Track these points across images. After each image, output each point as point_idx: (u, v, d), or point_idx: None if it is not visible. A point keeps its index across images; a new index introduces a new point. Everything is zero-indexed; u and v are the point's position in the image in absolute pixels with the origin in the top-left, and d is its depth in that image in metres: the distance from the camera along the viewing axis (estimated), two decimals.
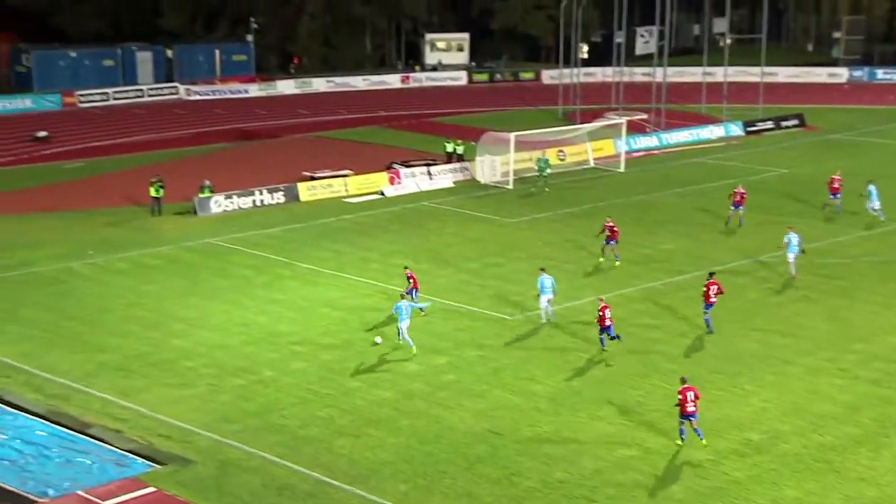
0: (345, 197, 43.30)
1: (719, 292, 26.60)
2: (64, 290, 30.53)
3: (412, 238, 36.60)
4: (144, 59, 71.51)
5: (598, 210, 40.36)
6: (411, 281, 28.62)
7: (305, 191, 43.07)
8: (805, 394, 23.26)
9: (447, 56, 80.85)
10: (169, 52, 72.97)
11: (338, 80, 74.69)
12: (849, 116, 62.24)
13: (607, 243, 32.39)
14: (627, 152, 50.03)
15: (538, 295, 27.32)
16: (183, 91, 70.04)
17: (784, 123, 58.79)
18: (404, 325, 25.28)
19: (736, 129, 57.38)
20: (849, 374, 24.27)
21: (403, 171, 45.68)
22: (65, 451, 20.90)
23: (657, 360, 25.12)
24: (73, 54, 69.17)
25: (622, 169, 48.00)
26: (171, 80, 71.45)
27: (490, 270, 32.54)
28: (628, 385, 23.85)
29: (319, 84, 73.76)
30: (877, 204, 36.44)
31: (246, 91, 71.48)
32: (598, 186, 45.18)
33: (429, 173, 46.04)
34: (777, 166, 48.21)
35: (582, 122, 55.26)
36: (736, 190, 37.72)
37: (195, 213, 40.19)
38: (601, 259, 32.73)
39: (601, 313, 25.06)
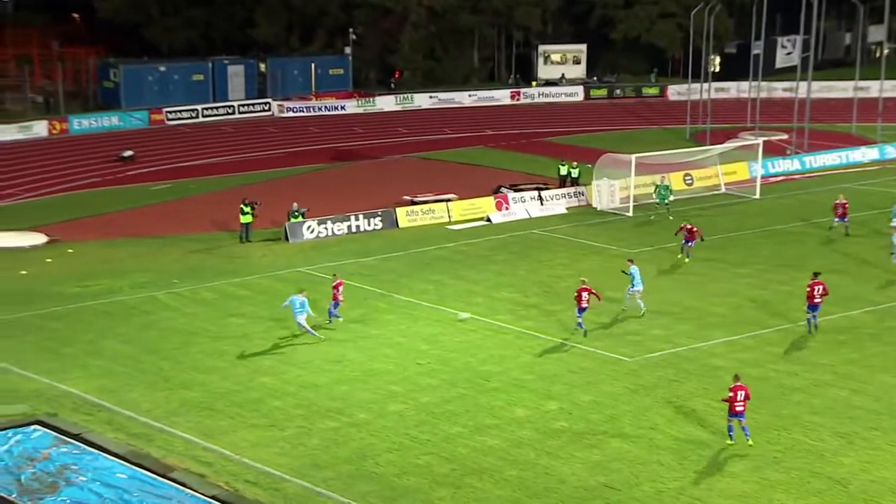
0: (447, 223, 43.71)
1: (825, 293, 28.74)
2: (147, 322, 31.63)
3: (520, 269, 36.75)
4: (236, 73, 73.78)
5: (729, 241, 39.76)
6: (335, 291, 29.98)
7: (405, 216, 43.61)
8: None
9: (564, 69, 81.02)
10: (262, 66, 75.18)
11: (442, 95, 75.66)
12: None
13: (686, 243, 36.45)
14: (764, 177, 49.19)
15: (630, 286, 30.78)
16: (276, 107, 72.02)
17: None
18: (301, 318, 28.57)
19: (893, 152, 55.74)
20: None
21: (512, 195, 45.89)
22: (145, 496, 21.43)
23: (797, 412, 24.48)
24: (162, 69, 71.87)
25: (757, 195, 47.18)
26: (263, 96, 73.57)
27: (605, 307, 32.39)
28: (764, 439, 23.29)
29: (422, 100, 74.83)
30: None
31: (343, 107, 73.06)
32: (729, 214, 44.52)
33: (540, 198, 46.13)
34: None
35: (712, 143, 54.57)
36: (837, 201, 39.22)
37: (286, 239, 41.12)
38: (679, 256, 36.57)
39: (580, 294, 29.12)
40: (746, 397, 22.66)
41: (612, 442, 23.35)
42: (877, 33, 79.52)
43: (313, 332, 29.23)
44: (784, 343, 28.93)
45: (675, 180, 48.38)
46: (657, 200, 43.94)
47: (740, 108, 66.57)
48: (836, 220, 39.50)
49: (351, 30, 77.66)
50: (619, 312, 31.53)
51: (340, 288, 30.92)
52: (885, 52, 64.62)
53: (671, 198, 44.05)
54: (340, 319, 30.75)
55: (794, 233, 40.71)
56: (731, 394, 22.60)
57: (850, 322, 30.46)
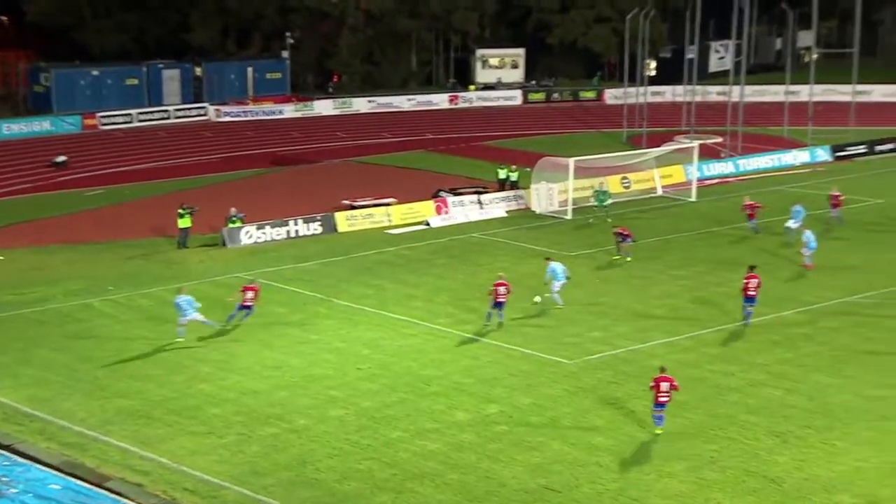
0: (387, 228, 43.67)
1: (759, 286, 30.02)
2: (82, 329, 31.11)
3: (460, 273, 36.85)
4: (171, 77, 72.95)
5: (666, 243, 40.25)
6: (247, 293, 30.15)
7: (344, 221, 43.47)
8: None
9: (502, 73, 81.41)
10: (198, 70, 74.40)
11: (380, 99, 75.58)
12: None
13: (623, 241, 37.21)
14: (699, 180, 49.90)
15: (549, 283, 31.67)
16: (212, 112, 71.33)
17: (879, 148, 58.22)
18: (194, 316, 29.28)
19: (823, 154, 56.91)
20: None
21: (451, 199, 45.98)
22: None
23: (733, 412, 24.87)
24: (95, 73, 70.75)
25: (693, 198, 47.84)
26: (199, 101, 72.82)
27: (546, 309, 32.56)
28: (700, 439, 23.62)
29: (360, 104, 74.68)
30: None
31: (281, 112, 72.59)
32: (666, 216, 45.09)
33: (479, 202, 46.27)
34: (871, 195, 47.64)
35: (649, 147, 55.22)
36: (746, 203, 40.42)
37: (224, 244, 40.75)
38: (615, 257, 37.32)
39: (496, 288, 30.08)
40: (672, 388, 23.40)
41: (552, 444, 23.49)
42: (806, 38, 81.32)
43: (209, 321, 29.79)
44: (721, 344, 29.38)
45: (613, 183, 48.86)
46: (595, 204, 44.37)
47: (676, 111, 67.51)
48: (748, 223, 40.42)
49: (288, 34, 77.20)
50: (554, 311, 31.76)
51: (251, 294, 30.53)
52: (814, 57, 65.81)
53: (609, 201, 44.52)
54: (216, 326, 30.05)
55: (730, 235, 41.34)
56: (652, 385, 23.51)
57: (783, 322, 31.02)
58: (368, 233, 42.84)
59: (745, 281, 30.43)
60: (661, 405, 23.55)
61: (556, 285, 31.90)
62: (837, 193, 41.76)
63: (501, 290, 30.49)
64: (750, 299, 30.42)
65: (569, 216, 44.88)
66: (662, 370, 23.88)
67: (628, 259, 37.10)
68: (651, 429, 23.66)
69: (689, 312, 32.22)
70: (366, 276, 36.61)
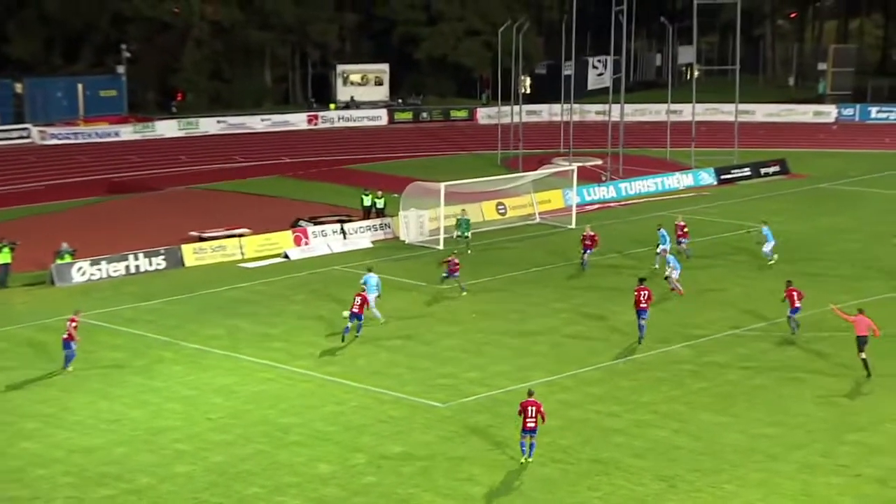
0: (240, 261, 43.35)
1: (649, 298, 32.42)
2: None
3: (323, 310, 36.69)
4: None
5: (545, 274, 41.00)
6: (70, 325, 30.50)
7: (192, 254, 42.93)
8: (798, 496, 23.65)
9: (365, 91, 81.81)
10: (18, 87, 72.32)
11: (231, 120, 75.00)
12: (839, 162, 64.49)
13: (449, 276, 38.13)
14: (579, 205, 51.04)
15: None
16: (36, 134, 69.45)
17: (764, 170, 60.67)
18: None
19: (707, 177, 58.99)
20: (849, 471, 24.72)
21: (312, 229, 45.86)
22: None
23: (618, 456, 25.42)
24: None
25: (573, 225, 48.87)
26: (21, 121, 70.83)
27: (416, 348, 32.74)
28: (584, 485, 24.06)
29: (208, 125, 73.95)
30: (769, 246, 40.97)
31: (117, 134, 71.22)
32: (544, 246, 45.93)
33: (342, 232, 46.27)
34: (756, 220, 49.49)
35: (525, 170, 56.24)
36: (585, 233, 42.02)
37: (52, 283, 39.66)
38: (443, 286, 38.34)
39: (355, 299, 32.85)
40: (538, 413, 24.35)
41: (425, 496, 23.55)
42: (687, 54, 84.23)
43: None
44: (604, 382, 29.98)
45: (488, 209, 49.55)
46: (458, 234, 44.63)
47: (553, 131, 68.96)
48: (583, 251, 41.24)
49: (124, 46, 75.76)
50: (427, 351, 31.97)
51: (74, 324, 30.44)
52: (696, 74, 68.35)
53: (468, 233, 44.68)
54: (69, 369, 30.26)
55: (611, 265, 42.34)
56: (520, 409, 24.37)
57: (669, 358, 31.92)
58: (219, 267, 42.41)
59: (636, 293, 32.42)
60: (528, 431, 24.31)
61: (371, 298, 33.62)
62: (683, 224, 42.68)
63: (358, 300, 32.71)
64: (642, 312, 32.26)
65: (440, 245, 45.26)
66: (530, 393, 24.82)
67: (464, 294, 37.68)
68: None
69: (570, 348, 32.82)
70: (217, 315, 36.13)
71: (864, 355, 30.00)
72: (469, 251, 43.47)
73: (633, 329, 33.60)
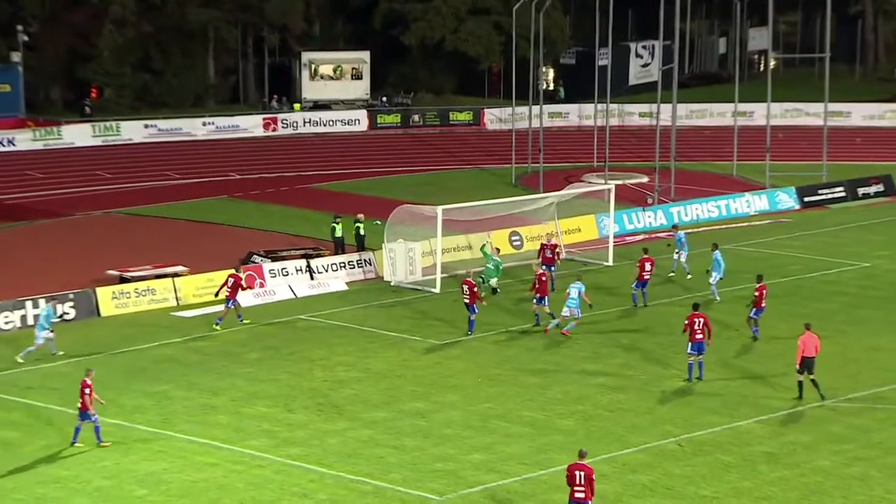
0: (174, 309, 43.32)
1: (706, 326, 35.41)
2: None
3: (281, 372, 36.62)
4: None
5: (576, 326, 40.91)
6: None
7: (110, 300, 42.87)
8: None
9: (337, 88, 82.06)
10: None
11: (163, 124, 75.16)
12: None
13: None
14: (618, 236, 51.01)
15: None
16: None
17: (862, 190, 60.88)
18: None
19: (786, 200, 59.06)
20: None
21: (269, 266, 45.80)
22: None
23: None
24: None
25: (610, 262, 48.81)
26: None
27: (407, 423, 32.62)
28: None
29: (133, 130, 74.10)
30: (715, 277, 42.78)
31: (11, 141, 71.28)
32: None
33: (309, 270, 46.18)
34: (853, 257, 49.62)
35: (547, 190, 56.27)
36: (545, 242, 44.09)
37: None
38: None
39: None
40: (588, 481, 25.26)
41: None
42: (759, 39, 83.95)
43: None
44: (651, 467, 29.77)
45: (499, 241, 49.50)
46: (483, 279, 44.44)
47: (584, 140, 69.13)
48: (543, 267, 43.22)
49: (20, 27, 75.84)
50: (416, 426, 31.83)
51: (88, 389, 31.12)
52: (772, 63, 68.34)
53: (494, 280, 44.44)
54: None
55: (663, 313, 42.27)
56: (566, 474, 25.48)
57: (735, 435, 31.75)
58: (146, 317, 42.33)
59: (689, 321, 35.38)
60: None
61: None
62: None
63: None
64: (697, 345, 35.17)
65: (437, 289, 45.17)
66: (581, 455, 25.74)
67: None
68: None
69: (606, 423, 32.67)
70: (142, 380, 35.99)
71: (813, 377, 33.46)
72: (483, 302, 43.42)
73: (689, 399, 33.50)
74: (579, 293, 39.66)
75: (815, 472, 29.70)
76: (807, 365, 33.66)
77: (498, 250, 46.17)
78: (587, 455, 25.69)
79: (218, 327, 40.69)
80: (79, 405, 31.15)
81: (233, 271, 41.73)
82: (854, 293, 44.74)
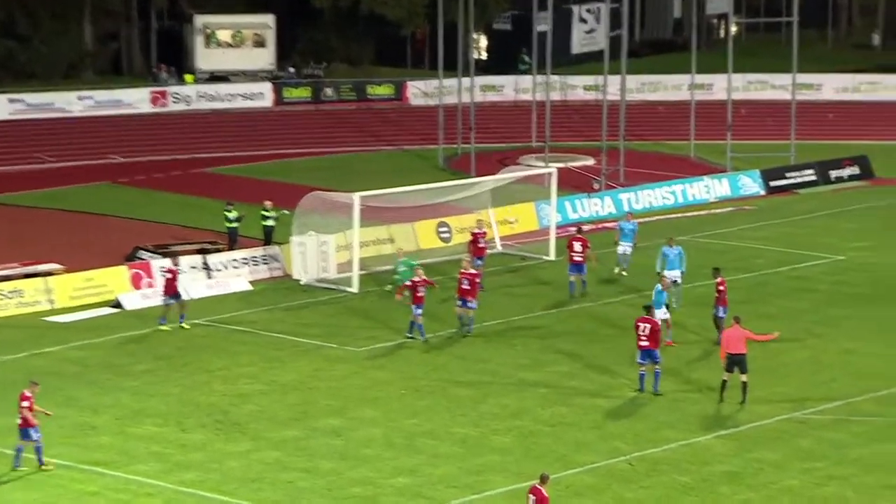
0: (48, 313, 43.04)
1: (654, 334, 35.30)
2: None
3: (174, 386, 36.55)
4: None
5: (511, 330, 41.10)
6: None
7: None
8: None
9: (237, 56, 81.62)
10: None
11: (32, 98, 74.38)
12: None
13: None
14: (560, 226, 51.21)
15: None
16: None
17: (835, 174, 61.51)
18: None
19: (750, 184, 59.62)
20: None
21: (158, 263, 45.61)
22: None
23: None
24: None
25: (552, 256, 49.04)
26: None
27: (320, 442, 32.67)
28: None
29: None
30: (678, 275, 42.17)
31: None
32: (509, 286, 46.05)
33: (206, 267, 46.03)
34: (825, 249, 50.19)
35: (480, 174, 56.37)
36: (476, 231, 45.35)
37: None
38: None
39: None
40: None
41: None
42: (719, 1, 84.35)
43: None
44: (599, 491, 29.95)
45: (424, 233, 49.58)
46: (396, 279, 44.48)
47: (521, 116, 69.25)
48: (476, 260, 44.06)
49: None
50: (329, 443, 31.92)
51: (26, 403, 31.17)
52: (733, 30, 68.70)
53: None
54: None
55: (612, 313, 42.60)
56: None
57: (694, 453, 32.02)
58: (15, 322, 42.06)
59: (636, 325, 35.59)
60: None
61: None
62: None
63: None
64: (645, 353, 35.15)
65: (354, 287, 45.20)
66: (543, 480, 26.01)
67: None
68: None
69: (548, 440, 32.85)
70: (11, 396, 35.58)
71: (744, 378, 34.34)
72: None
73: (641, 412, 33.81)
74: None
75: (783, 493, 30.00)
76: (734, 362, 34.45)
77: (399, 251, 45.92)
78: (548, 481, 26.01)
79: (185, 325, 41.39)
80: (18, 422, 30.99)
81: (169, 265, 42.24)
82: (826, 290, 45.31)
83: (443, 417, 34.36)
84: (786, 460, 31.70)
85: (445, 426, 33.76)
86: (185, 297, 41.96)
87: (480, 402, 35.39)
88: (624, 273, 45.76)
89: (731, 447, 32.52)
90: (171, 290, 41.52)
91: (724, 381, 34.64)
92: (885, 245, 50.64)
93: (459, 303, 40.41)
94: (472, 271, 41.03)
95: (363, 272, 45.75)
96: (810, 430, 33.55)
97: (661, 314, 37.81)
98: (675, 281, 41.69)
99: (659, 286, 38.86)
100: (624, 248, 46.05)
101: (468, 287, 40.34)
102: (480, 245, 45.52)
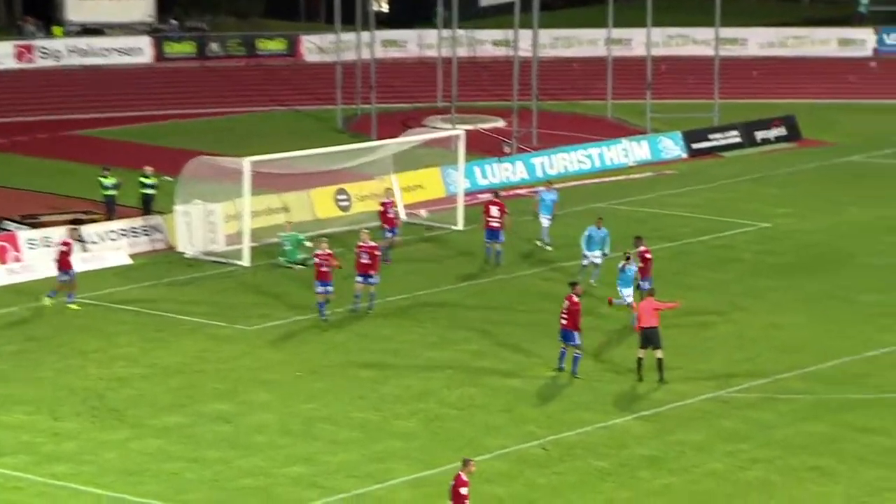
0: None
1: (573, 313, 35.45)
2: None
3: (48, 370, 36.39)
4: None
5: (417, 305, 41.37)
6: None
7: None
8: None
9: (111, 7, 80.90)
10: None
11: None
12: (881, 120, 66.66)
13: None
14: (469, 193, 51.53)
15: None
16: None
17: (761, 135, 62.35)
18: None
19: (671, 147, 60.24)
20: None
21: (25, 236, 45.40)
22: None
23: None
24: None
25: (460, 225, 49.39)
26: None
27: (207, 429, 32.71)
28: None
29: None
30: (598, 256, 42.49)
31: None
32: (413, 259, 46.38)
33: (80, 239, 45.84)
34: (750, 216, 50.93)
35: (381, 137, 56.46)
36: (385, 200, 45.88)
37: None
38: None
39: None
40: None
41: None
42: None
43: None
44: (511, 478, 30.18)
45: (321, 202, 49.61)
46: (284, 256, 44.63)
47: (426, 74, 69.29)
48: (387, 231, 44.88)
49: None
50: (223, 430, 32.04)
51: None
52: None
53: (300, 256, 44.61)
54: None
55: (526, 287, 43.03)
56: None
57: (611, 436, 32.38)
58: None
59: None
60: None
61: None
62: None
63: None
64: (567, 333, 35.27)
65: (245, 261, 45.25)
66: (466, 463, 26.23)
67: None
68: None
69: (455, 423, 33.13)
70: None
71: (659, 354, 34.95)
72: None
73: (556, 393, 34.29)
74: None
75: (706, 477, 30.46)
76: (647, 337, 35.02)
77: (288, 224, 46.20)
78: (473, 467, 26.29)
79: (73, 305, 41.11)
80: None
81: (64, 237, 42.12)
82: (751, 259, 46.07)
83: (342, 401, 34.50)
84: (708, 442, 32.22)
85: (344, 410, 33.92)
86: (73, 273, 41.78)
87: (382, 384, 35.60)
88: (549, 248, 46.02)
89: (650, 429, 32.98)
90: (64, 264, 41.29)
91: (640, 359, 35.21)
92: (813, 211, 51.55)
93: (360, 278, 40.62)
94: (371, 244, 41.18)
95: (254, 244, 45.73)
96: (734, 409, 34.13)
97: (626, 296, 38.51)
98: (594, 263, 42.20)
99: (623, 265, 39.24)
100: (546, 220, 46.32)
101: (368, 261, 40.53)
102: (390, 215, 45.70)
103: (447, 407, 34.25)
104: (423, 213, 49.78)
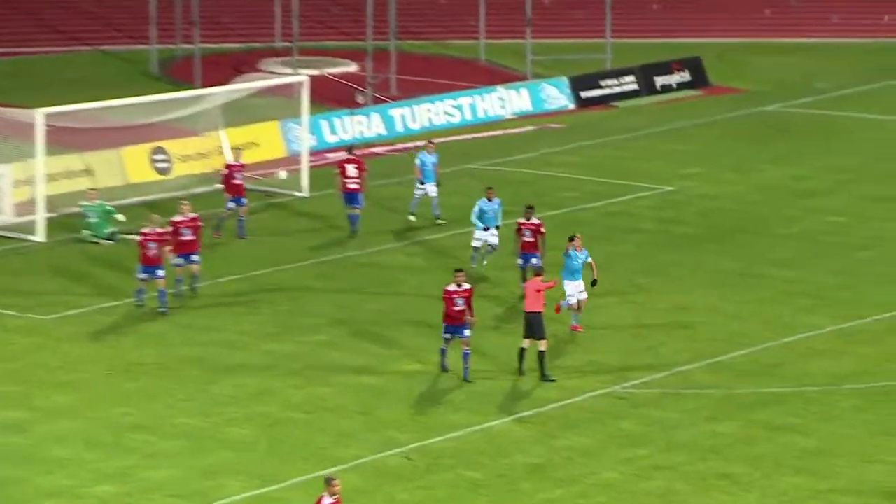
0: None
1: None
2: None
3: None
4: None
5: (253, 287, 41.35)
6: None
7: None
8: None
9: None
10: None
11: None
12: (799, 63, 67.73)
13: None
14: (315, 152, 51.74)
15: None
16: None
17: (661, 81, 63.20)
18: None
19: (556, 96, 60.77)
20: None
21: None
22: None
23: None
24: None
25: (305, 191, 49.55)
26: None
27: None
28: None
29: None
30: (494, 234, 42.60)
31: None
32: (252, 233, 46.47)
33: None
34: (650, 178, 51.60)
35: (206, 84, 56.32)
36: (232, 163, 45.99)
37: None
38: None
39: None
40: None
41: None
42: None
43: None
44: (365, 492, 30.31)
45: (133, 162, 49.43)
46: (90, 233, 44.47)
47: (261, 8, 69.11)
48: (230, 201, 45.43)
49: None
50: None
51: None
52: None
53: (110, 229, 44.46)
54: None
55: (390, 264, 43.40)
56: None
57: (488, 443, 32.75)
58: None
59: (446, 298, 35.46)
60: None
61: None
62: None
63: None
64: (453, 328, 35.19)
65: (40, 235, 45.00)
66: (329, 482, 25.98)
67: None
68: None
69: (301, 430, 33.22)
70: None
71: (541, 346, 35.28)
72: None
73: (421, 392, 34.64)
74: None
75: (598, 489, 30.79)
76: (530, 324, 35.09)
77: (92, 192, 45.98)
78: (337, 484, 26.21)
79: None
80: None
81: None
82: (652, 229, 46.69)
83: (162, 404, 34.44)
84: (602, 447, 32.56)
85: (165, 416, 33.85)
86: None
87: (211, 384, 35.59)
88: (441, 221, 46.14)
89: (533, 433, 33.28)
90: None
91: (522, 350, 35.44)
92: (722, 171, 52.44)
93: (181, 260, 40.48)
94: (193, 215, 41.10)
95: (51, 215, 45.50)
96: (632, 408, 34.56)
97: (573, 290, 38.18)
98: (490, 243, 42.20)
99: (571, 251, 38.82)
100: (428, 189, 46.15)
101: (191, 237, 40.43)
102: (236, 181, 45.45)
103: (291, 410, 34.34)
104: (282, 174, 49.30)
